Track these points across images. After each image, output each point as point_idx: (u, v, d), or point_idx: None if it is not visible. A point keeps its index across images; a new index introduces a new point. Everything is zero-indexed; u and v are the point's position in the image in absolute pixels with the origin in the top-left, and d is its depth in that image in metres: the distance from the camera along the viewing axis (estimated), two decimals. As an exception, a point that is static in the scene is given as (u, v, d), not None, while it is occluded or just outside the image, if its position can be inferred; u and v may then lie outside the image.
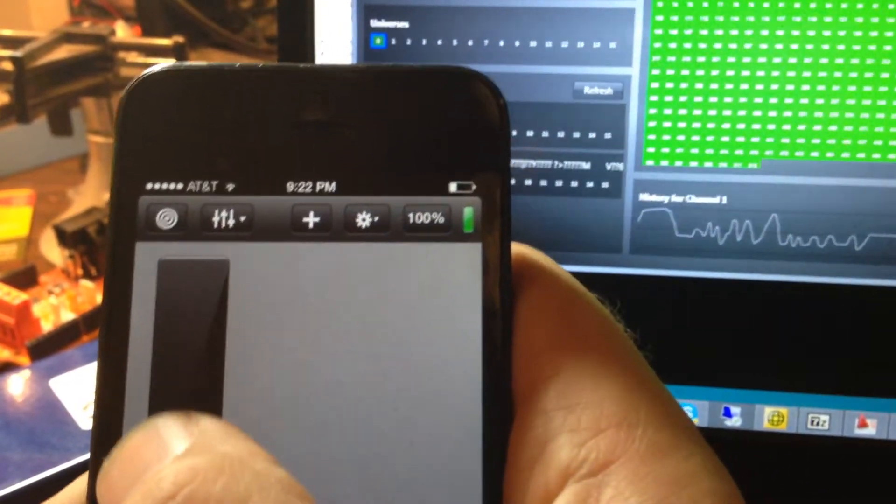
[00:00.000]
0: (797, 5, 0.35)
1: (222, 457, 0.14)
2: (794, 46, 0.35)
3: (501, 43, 0.37)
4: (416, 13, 0.37)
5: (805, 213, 0.36)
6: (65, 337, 0.57)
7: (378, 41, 0.38)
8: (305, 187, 0.19)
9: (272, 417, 0.18)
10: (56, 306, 0.60)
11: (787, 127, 0.36)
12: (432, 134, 0.19)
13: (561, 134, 0.37)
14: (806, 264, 0.37)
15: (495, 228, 0.19)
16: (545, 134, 0.37)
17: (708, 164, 0.37)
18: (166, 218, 0.19)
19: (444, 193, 0.19)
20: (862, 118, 0.35)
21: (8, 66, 0.62)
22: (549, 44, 0.37)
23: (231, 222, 0.19)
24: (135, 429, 0.15)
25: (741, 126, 0.36)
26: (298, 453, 0.18)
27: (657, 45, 0.36)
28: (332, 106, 0.19)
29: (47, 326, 0.58)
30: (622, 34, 0.36)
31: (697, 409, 0.39)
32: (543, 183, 0.37)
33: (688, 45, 0.36)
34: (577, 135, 0.37)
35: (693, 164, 0.37)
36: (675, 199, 0.37)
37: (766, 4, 0.35)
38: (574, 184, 0.37)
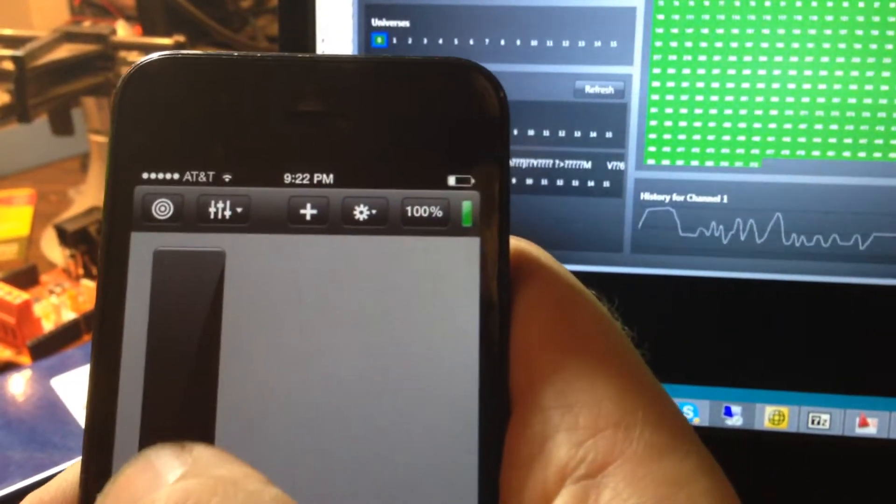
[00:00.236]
0: (798, 4, 0.35)
1: (216, 479, 0.14)
2: (795, 45, 0.35)
3: (502, 42, 0.37)
4: (417, 12, 0.37)
5: (809, 213, 0.36)
6: (66, 336, 0.57)
7: (379, 40, 0.38)
8: (303, 179, 0.19)
9: (266, 409, 0.18)
10: (57, 306, 0.60)
11: (787, 126, 0.36)
12: (431, 126, 0.19)
13: (562, 133, 0.37)
14: (810, 263, 0.37)
15: (494, 223, 0.18)
16: (546, 133, 0.37)
17: (709, 164, 0.36)
18: (162, 208, 0.18)
19: (442, 187, 0.19)
20: (863, 117, 0.35)
21: (9, 65, 0.62)
22: (550, 43, 0.37)
23: (227, 213, 0.18)
24: (127, 462, 0.15)
25: (742, 125, 0.36)
26: (293, 446, 0.18)
27: (658, 44, 0.36)
28: (331, 97, 0.19)
29: (48, 326, 0.58)
30: (623, 33, 0.36)
31: (698, 408, 0.39)
32: (544, 182, 0.37)
33: (689, 44, 0.36)
34: (578, 134, 0.37)
35: (694, 163, 0.37)
36: (677, 198, 0.37)
37: (767, 4, 0.35)
38: (575, 183, 0.37)
